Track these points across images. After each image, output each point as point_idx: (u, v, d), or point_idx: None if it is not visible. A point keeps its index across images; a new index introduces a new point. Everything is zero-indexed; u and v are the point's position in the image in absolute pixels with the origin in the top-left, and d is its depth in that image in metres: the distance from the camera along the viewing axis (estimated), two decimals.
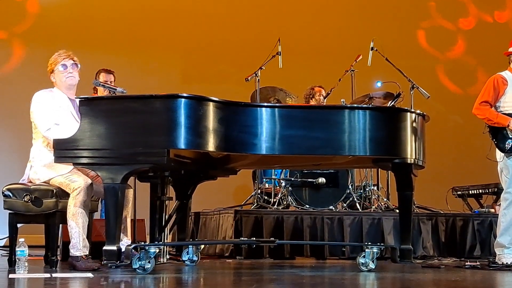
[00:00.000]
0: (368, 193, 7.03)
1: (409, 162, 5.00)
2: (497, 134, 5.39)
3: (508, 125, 5.34)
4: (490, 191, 7.35)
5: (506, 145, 5.35)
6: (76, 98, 4.79)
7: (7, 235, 4.95)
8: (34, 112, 4.87)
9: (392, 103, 6.76)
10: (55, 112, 4.84)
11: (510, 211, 5.37)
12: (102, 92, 6.19)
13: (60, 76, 4.94)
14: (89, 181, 4.71)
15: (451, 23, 10.09)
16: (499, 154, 5.43)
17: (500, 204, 5.58)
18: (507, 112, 5.41)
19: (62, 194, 4.76)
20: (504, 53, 5.56)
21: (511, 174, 5.36)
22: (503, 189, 5.47)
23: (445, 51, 10.05)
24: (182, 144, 4.40)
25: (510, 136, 5.35)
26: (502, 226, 5.38)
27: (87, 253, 4.67)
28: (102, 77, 6.50)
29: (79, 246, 4.64)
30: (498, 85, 5.44)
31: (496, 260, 5.36)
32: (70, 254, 4.67)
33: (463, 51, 10.09)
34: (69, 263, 4.70)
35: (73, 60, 4.96)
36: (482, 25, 10.15)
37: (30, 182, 4.88)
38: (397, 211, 5.78)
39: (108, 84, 5.71)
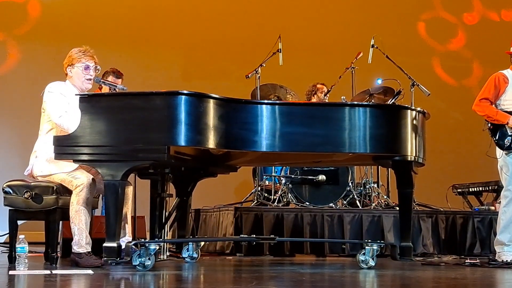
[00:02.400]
0: (368, 190, 7.03)
1: (409, 159, 4.99)
2: (497, 131, 5.40)
3: (508, 123, 5.34)
4: (490, 188, 7.34)
5: (506, 142, 5.35)
6: (76, 95, 4.79)
7: (7, 232, 4.95)
8: (46, 101, 4.87)
9: (393, 100, 6.76)
10: (66, 104, 4.84)
11: (510, 209, 5.37)
12: (107, 89, 6.17)
13: (79, 74, 4.93)
14: (92, 178, 4.71)
15: (454, 16, 10.09)
16: (499, 152, 5.43)
17: (500, 201, 5.58)
18: (507, 110, 5.42)
19: (63, 191, 4.77)
20: (506, 52, 5.56)
21: (511, 172, 5.36)
22: (503, 187, 5.47)
23: (446, 48, 10.04)
24: (182, 141, 4.39)
25: (510, 134, 5.35)
26: (502, 223, 5.39)
27: (90, 249, 4.68)
28: (111, 80, 6.43)
29: (82, 243, 4.65)
30: (499, 83, 5.44)
31: (496, 258, 5.36)
32: (73, 251, 4.68)
33: (464, 49, 10.08)
34: (72, 259, 4.70)
35: (96, 63, 4.98)
36: (485, 22, 10.15)
37: (33, 176, 4.88)
38: (397, 208, 5.77)
39: (108, 81, 5.70)
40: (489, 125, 5.44)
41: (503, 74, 5.48)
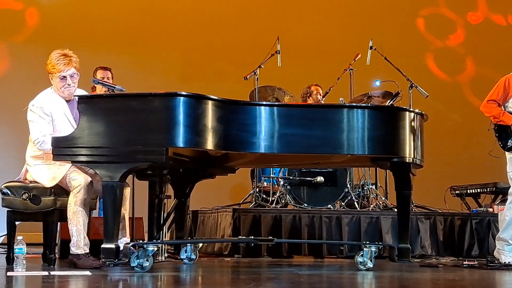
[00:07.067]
0: (367, 192, 7.03)
1: (407, 161, 4.99)
2: (502, 132, 5.41)
3: None
4: (488, 190, 7.34)
5: (509, 143, 5.37)
6: (74, 96, 4.78)
7: (5, 233, 4.95)
8: (29, 121, 4.83)
9: (391, 102, 6.76)
10: (49, 124, 4.79)
11: None
12: (101, 90, 6.18)
13: (57, 84, 4.85)
14: (89, 179, 4.71)
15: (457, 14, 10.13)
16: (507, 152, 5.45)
17: (498, 202, 5.57)
18: None
19: (61, 192, 4.77)
20: None
21: None
22: (501, 188, 5.47)
23: (444, 45, 10.05)
24: (180, 142, 4.39)
25: None
26: (507, 220, 5.36)
27: (88, 251, 4.67)
28: (99, 74, 6.49)
29: (80, 244, 4.64)
30: (508, 85, 5.46)
31: (494, 254, 5.35)
32: (71, 252, 4.67)
33: (463, 50, 10.09)
34: (70, 261, 4.70)
35: (74, 68, 4.84)
36: (484, 24, 10.16)
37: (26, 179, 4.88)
38: (395, 210, 5.78)
39: (106, 82, 5.70)
40: (494, 125, 5.46)
41: None
